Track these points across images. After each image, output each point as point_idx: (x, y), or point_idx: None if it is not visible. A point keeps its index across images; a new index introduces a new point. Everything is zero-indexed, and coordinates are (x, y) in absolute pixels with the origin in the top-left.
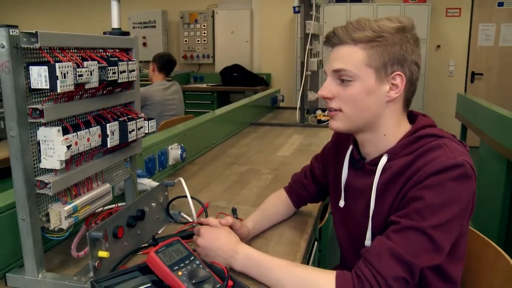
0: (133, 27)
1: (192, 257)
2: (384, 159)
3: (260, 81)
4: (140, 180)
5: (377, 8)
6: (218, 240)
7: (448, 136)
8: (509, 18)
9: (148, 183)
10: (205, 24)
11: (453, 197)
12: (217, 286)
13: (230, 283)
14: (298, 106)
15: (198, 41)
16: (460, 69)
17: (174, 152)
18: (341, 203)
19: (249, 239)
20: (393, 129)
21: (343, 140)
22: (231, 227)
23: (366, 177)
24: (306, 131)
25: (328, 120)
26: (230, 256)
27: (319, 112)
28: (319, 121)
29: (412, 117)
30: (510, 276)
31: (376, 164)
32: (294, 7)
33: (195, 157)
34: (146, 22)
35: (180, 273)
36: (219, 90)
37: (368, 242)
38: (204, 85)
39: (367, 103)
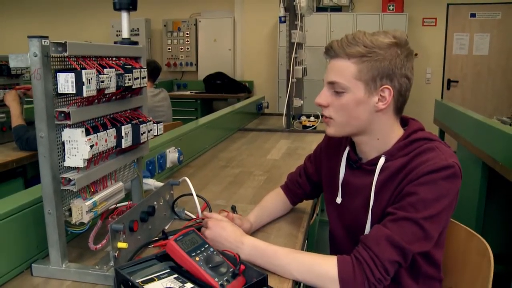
0: (117, 35)
1: (207, 245)
2: (382, 160)
3: (243, 88)
4: (145, 181)
5: (356, 17)
6: (224, 232)
7: (437, 139)
8: (481, 28)
9: (152, 183)
10: (188, 32)
11: (443, 193)
12: (231, 269)
13: (242, 267)
14: (284, 112)
15: (181, 49)
16: (437, 77)
17: (172, 155)
18: (338, 200)
19: (251, 234)
20: (386, 133)
21: (335, 142)
22: (233, 222)
23: (365, 176)
24: (293, 136)
25: (312, 125)
26: (236, 246)
27: (304, 118)
28: (304, 127)
29: (403, 121)
30: (482, 250)
31: (374, 165)
32: (280, 17)
33: (190, 160)
34: (130, 30)
35: (197, 258)
36: (202, 98)
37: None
38: (188, 93)
39: (357, 112)
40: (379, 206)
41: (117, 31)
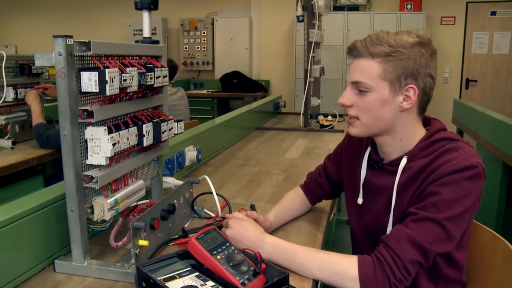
0: (134, 34)
1: (228, 244)
2: (404, 161)
3: (259, 87)
4: (165, 179)
5: (374, 17)
6: (246, 231)
7: (460, 139)
8: (502, 27)
9: (172, 181)
10: (205, 32)
11: (466, 194)
12: (252, 268)
13: (263, 265)
14: (302, 111)
15: (198, 48)
16: (455, 76)
17: (191, 153)
18: (360, 200)
19: (270, 232)
20: (409, 133)
21: (356, 142)
22: (256, 220)
23: (386, 177)
24: (310, 135)
25: (330, 125)
26: (257, 246)
27: (321, 117)
28: (322, 126)
29: (425, 120)
30: (508, 256)
31: (396, 165)
32: (297, 16)
33: (208, 159)
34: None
35: (219, 257)
36: (219, 96)
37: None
38: (204, 91)
39: (382, 112)
40: (400, 207)
41: (134, 30)
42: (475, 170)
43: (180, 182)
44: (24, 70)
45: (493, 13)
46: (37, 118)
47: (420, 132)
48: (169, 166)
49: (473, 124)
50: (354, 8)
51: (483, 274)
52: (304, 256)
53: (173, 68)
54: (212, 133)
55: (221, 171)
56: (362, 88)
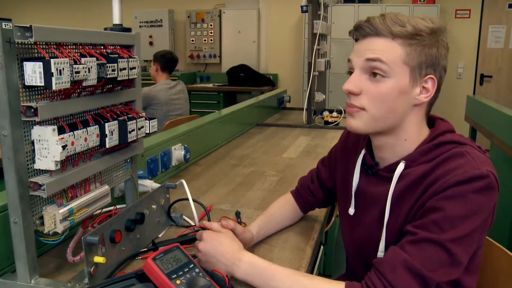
0: (140, 26)
1: (192, 265)
2: (401, 166)
3: (267, 81)
4: (141, 182)
5: (385, 9)
6: (221, 247)
7: (469, 143)
8: None
9: (149, 184)
10: (212, 24)
11: (475, 210)
12: None
13: None
14: (305, 107)
15: (205, 40)
16: (469, 72)
17: (178, 152)
18: (351, 211)
19: (253, 245)
20: (414, 134)
21: (351, 143)
22: (233, 231)
23: (381, 184)
24: (313, 132)
25: (335, 121)
26: (232, 263)
27: (326, 113)
28: (326, 122)
29: (430, 121)
30: None
31: (392, 171)
32: (302, 6)
33: (199, 158)
34: (153, 21)
35: (178, 281)
36: (225, 90)
37: (381, 253)
38: (211, 85)
39: (396, 104)
40: (395, 221)
41: (140, 22)
42: (486, 180)
43: (158, 186)
44: None
45: (511, 6)
46: None
47: (424, 133)
48: (152, 166)
49: (487, 123)
50: (365, 0)
51: None
52: (284, 279)
53: (172, 61)
54: (205, 130)
55: (210, 172)
56: (379, 71)
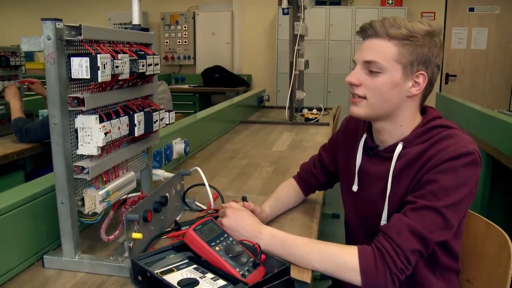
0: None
1: (226, 235)
2: (399, 147)
3: (241, 82)
4: (154, 171)
5: (355, 11)
6: (243, 221)
7: (456, 127)
8: (479, 23)
9: (161, 173)
10: (186, 26)
11: (464, 181)
12: (251, 259)
13: (263, 256)
14: (287, 104)
15: (179, 42)
16: None
17: (178, 146)
18: (355, 188)
19: (266, 223)
20: (409, 120)
21: (352, 129)
22: (252, 211)
23: (382, 163)
24: (296, 128)
25: (315, 118)
26: (254, 236)
27: (305, 110)
28: (307, 119)
29: (421, 109)
30: (501, 242)
31: (392, 151)
32: (283, 9)
33: (195, 152)
34: (127, 23)
35: (217, 248)
36: (200, 91)
37: (383, 222)
38: (186, 86)
39: (390, 95)
40: (396, 194)
41: (114, 24)
42: (473, 156)
43: (170, 175)
44: (1, 62)
45: (471, 10)
46: (16, 113)
47: (417, 119)
48: (157, 158)
49: (457, 118)
50: (336, 2)
51: (476, 261)
52: (303, 247)
53: None
54: (198, 126)
55: (209, 164)
56: (375, 68)
